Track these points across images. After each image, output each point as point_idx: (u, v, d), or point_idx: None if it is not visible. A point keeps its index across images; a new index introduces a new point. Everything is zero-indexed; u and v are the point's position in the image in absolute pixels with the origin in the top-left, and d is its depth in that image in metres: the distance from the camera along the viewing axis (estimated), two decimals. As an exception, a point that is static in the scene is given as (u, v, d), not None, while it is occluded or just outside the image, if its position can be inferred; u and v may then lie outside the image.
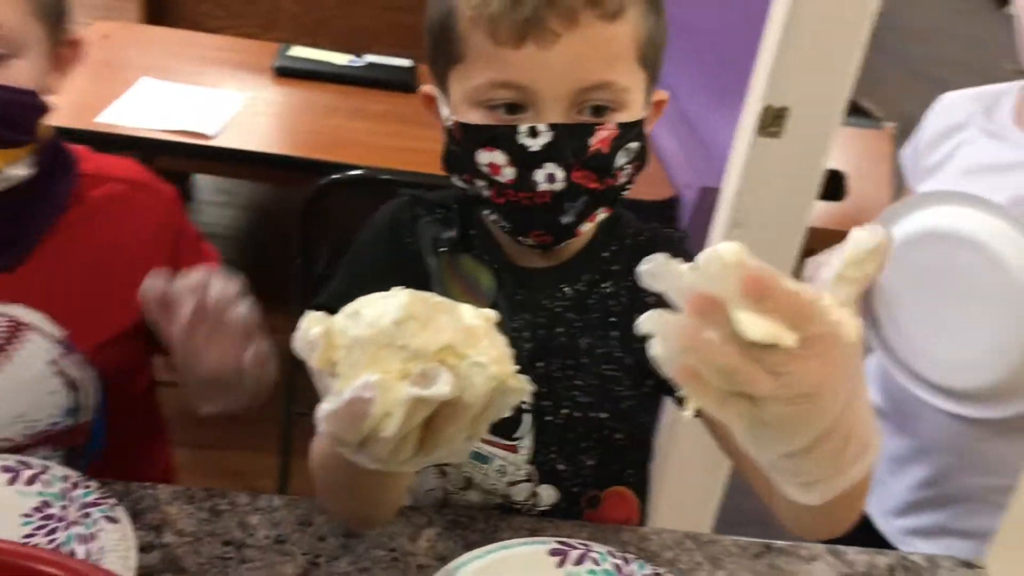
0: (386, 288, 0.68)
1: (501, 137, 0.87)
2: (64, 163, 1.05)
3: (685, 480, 1.91)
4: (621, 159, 0.90)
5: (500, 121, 0.87)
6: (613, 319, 0.99)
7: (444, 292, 0.77)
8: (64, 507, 0.86)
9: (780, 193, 1.66)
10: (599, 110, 0.88)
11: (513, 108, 0.87)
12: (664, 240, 1.02)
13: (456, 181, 0.95)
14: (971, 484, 1.24)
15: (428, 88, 0.96)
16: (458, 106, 0.90)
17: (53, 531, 0.85)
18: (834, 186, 2.16)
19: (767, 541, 0.97)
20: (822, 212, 1.79)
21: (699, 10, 2.09)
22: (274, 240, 3.25)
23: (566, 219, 0.90)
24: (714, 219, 1.74)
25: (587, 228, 0.93)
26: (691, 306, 0.56)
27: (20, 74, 0.94)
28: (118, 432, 1.10)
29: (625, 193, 0.94)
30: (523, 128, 0.86)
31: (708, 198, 1.76)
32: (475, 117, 0.89)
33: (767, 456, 0.62)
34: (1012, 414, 1.21)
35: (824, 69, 1.57)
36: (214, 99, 2.17)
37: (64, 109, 1.98)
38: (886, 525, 1.39)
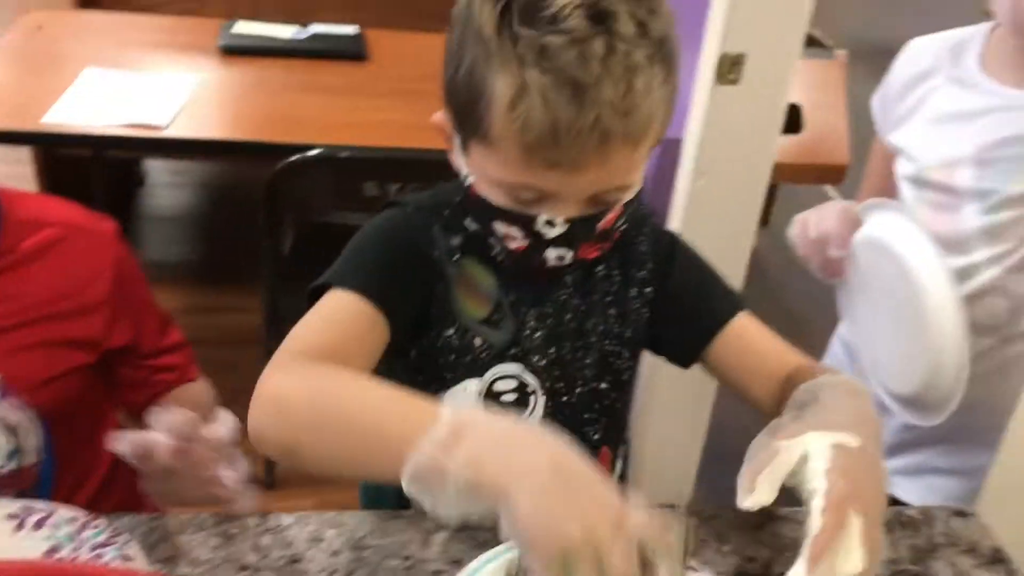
0: (406, 288, 0.95)
1: (520, 220, 0.90)
2: None
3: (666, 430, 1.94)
4: (620, 222, 0.93)
5: (519, 205, 0.89)
6: (610, 298, 1.05)
7: (456, 298, 0.98)
8: (75, 550, 0.86)
9: (743, 139, 1.66)
10: (611, 198, 0.91)
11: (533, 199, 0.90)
12: (637, 220, 1.03)
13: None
14: (954, 423, 1.26)
15: (440, 120, 0.94)
16: (477, 172, 0.91)
17: (67, 576, 0.85)
18: (792, 119, 2.16)
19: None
20: (782, 146, 1.78)
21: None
22: (231, 219, 3.19)
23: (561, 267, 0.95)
24: (679, 170, 1.75)
25: None
26: None
27: None
28: (71, 471, 1.12)
29: None
30: (542, 218, 0.89)
31: (671, 150, 1.76)
32: (495, 195, 0.90)
33: None
34: (942, 420, 1.24)
35: (778, 12, 1.56)
36: (162, 85, 2.12)
37: (6, 110, 1.94)
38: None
